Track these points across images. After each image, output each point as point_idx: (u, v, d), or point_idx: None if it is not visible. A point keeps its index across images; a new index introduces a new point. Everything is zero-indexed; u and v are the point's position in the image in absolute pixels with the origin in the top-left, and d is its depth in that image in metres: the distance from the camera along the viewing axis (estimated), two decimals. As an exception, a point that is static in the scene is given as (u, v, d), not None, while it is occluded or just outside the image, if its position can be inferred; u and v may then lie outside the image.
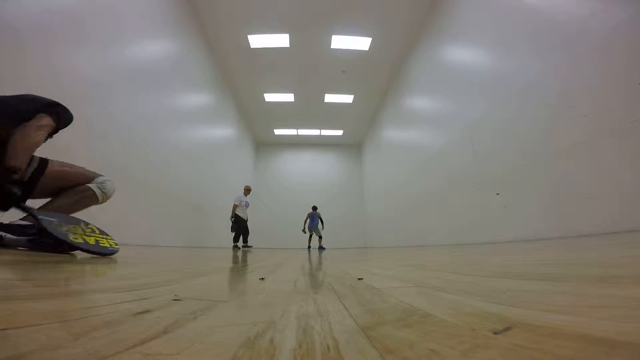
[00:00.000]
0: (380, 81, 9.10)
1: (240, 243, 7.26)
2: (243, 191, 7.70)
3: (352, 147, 14.11)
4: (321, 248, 9.19)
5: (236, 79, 8.98)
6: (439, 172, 5.97)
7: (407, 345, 0.27)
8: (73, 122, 2.21)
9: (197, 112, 7.12)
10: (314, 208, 9.95)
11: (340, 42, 7.46)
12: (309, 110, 10.90)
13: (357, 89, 9.66)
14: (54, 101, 1.82)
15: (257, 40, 7.40)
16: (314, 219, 9.61)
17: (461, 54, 5.27)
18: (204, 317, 0.39)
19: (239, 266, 1.60)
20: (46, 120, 1.68)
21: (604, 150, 2.68)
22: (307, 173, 13.71)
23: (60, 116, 1.79)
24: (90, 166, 2.13)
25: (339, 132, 12.96)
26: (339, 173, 13.89)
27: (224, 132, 9.11)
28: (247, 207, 7.44)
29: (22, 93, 1.77)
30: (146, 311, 0.41)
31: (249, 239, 7.62)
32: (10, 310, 0.37)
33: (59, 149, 3.18)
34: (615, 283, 0.57)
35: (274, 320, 0.37)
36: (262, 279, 0.88)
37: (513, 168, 3.86)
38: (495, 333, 0.28)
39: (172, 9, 5.58)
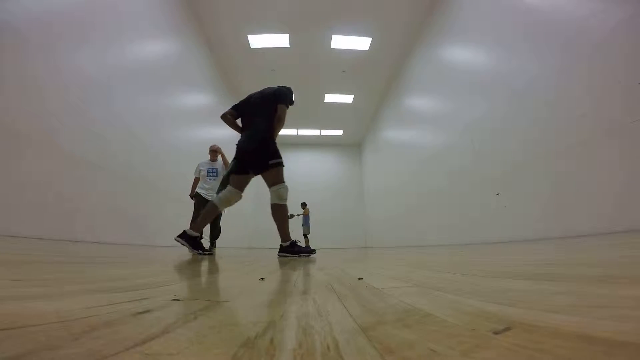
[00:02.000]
0: (380, 81, 9.10)
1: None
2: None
3: (352, 147, 14.10)
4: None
5: (236, 79, 8.97)
6: (439, 172, 5.97)
7: (407, 345, 0.27)
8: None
9: (197, 111, 7.13)
10: (304, 205, 9.83)
11: (340, 42, 7.46)
12: (309, 110, 10.90)
13: (357, 89, 9.66)
14: (276, 91, 2.97)
15: (257, 40, 7.40)
16: (307, 219, 9.63)
17: (461, 54, 5.27)
18: (204, 317, 0.39)
19: (239, 266, 1.60)
20: (280, 109, 2.87)
21: (603, 150, 2.68)
22: (307, 173, 13.71)
23: (286, 98, 2.94)
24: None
25: (339, 132, 12.96)
26: (339, 173, 13.89)
27: (223, 132, 9.09)
28: (214, 178, 4.72)
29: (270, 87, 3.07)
30: (146, 311, 0.41)
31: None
32: (10, 310, 0.37)
33: (60, 148, 3.19)
34: (615, 283, 0.57)
35: (274, 320, 0.37)
36: (262, 279, 0.88)
37: (513, 168, 3.86)
38: (495, 333, 0.28)
39: (172, 9, 5.58)
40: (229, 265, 1.67)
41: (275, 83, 10.95)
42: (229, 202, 2.80)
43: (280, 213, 2.77)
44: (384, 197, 9.90)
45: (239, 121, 3.07)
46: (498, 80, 4.18)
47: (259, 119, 2.86)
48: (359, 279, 0.87)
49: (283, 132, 12.93)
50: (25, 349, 0.24)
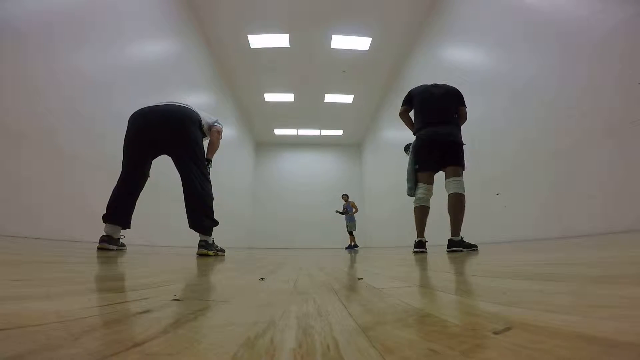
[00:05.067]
0: (380, 81, 9.10)
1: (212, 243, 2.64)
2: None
3: (352, 147, 14.10)
4: (350, 247, 8.52)
5: (236, 79, 8.97)
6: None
7: (407, 345, 0.27)
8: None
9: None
10: (346, 197, 9.22)
11: (340, 42, 7.46)
12: (309, 110, 10.90)
13: (357, 89, 9.66)
14: (459, 92, 3.05)
15: (257, 40, 7.40)
16: (348, 212, 9.02)
17: (461, 54, 5.27)
18: (204, 317, 0.39)
19: (239, 266, 1.60)
20: (464, 110, 3.03)
21: (603, 150, 2.68)
22: (307, 173, 13.71)
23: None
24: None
25: (339, 132, 12.96)
26: (339, 173, 13.88)
27: (223, 132, 9.12)
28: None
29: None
30: (146, 311, 0.41)
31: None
32: (10, 310, 0.37)
33: (59, 148, 3.19)
34: (615, 283, 0.57)
35: (274, 320, 0.37)
36: (262, 279, 0.88)
37: (513, 168, 3.86)
38: (495, 333, 0.28)
39: (172, 9, 5.58)
40: (230, 265, 1.67)
41: (274, 83, 10.87)
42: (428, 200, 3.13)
43: (462, 203, 2.83)
44: (384, 197, 9.89)
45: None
46: (498, 80, 4.18)
47: (452, 116, 2.92)
48: (359, 279, 0.87)
49: (283, 132, 12.97)
50: (25, 349, 0.24)
